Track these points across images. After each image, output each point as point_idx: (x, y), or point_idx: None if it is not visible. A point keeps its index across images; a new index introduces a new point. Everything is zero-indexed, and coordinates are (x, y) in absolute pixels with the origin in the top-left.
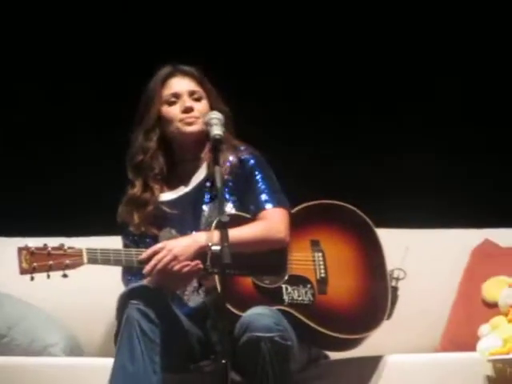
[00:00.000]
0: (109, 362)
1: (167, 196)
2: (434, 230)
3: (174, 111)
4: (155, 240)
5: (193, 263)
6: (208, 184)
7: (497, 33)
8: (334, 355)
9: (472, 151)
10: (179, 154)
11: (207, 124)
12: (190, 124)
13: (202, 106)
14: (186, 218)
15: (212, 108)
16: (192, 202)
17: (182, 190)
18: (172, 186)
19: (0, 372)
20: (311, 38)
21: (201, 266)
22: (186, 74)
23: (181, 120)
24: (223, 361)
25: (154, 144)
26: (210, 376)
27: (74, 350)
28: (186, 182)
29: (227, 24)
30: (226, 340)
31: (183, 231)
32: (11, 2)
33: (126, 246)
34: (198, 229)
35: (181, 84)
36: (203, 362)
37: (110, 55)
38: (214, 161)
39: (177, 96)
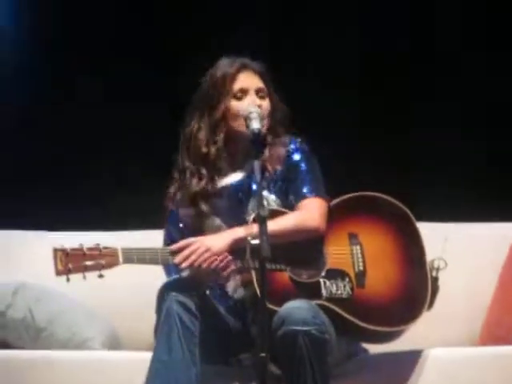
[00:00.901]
0: (148, 355)
1: (219, 184)
2: (474, 224)
3: (242, 107)
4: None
5: (221, 256)
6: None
7: None
8: (373, 349)
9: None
10: (239, 147)
11: (246, 118)
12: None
13: (266, 105)
14: (231, 207)
15: (273, 106)
16: (239, 192)
17: (231, 180)
18: (224, 175)
19: (40, 365)
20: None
21: (230, 258)
22: (254, 70)
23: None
24: (262, 354)
25: (221, 139)
26: (248, 369)
27: (113, 343)
28: (237, 172)
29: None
30: (265, 334)
31: (227, 220)
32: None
33: (168, 231)
34: (241, 220)
35: (250, 80)
36: (242, 355)
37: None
38: (255, 155)
39: (244, 92)
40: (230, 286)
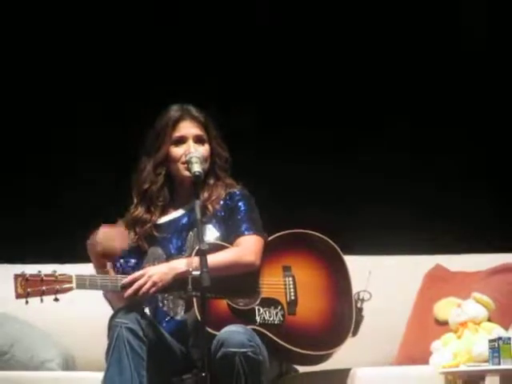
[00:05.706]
0: (100, 375)
1: (161, 220)
2: (393, 257)
3: (178, 153)
4: (141, 258)
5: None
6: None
7: None
8: (302, 369)
9: (421, 180)
10: (181, 188)
11: (188, 162)
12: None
13: (203, 150)
14: (172, 240)
15: (212, 152)
16: (179, 226)
17: (172, 216)
18: (167, 212)
19: None
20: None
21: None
22: (193, 118)
23: (183, 163)
24: (203, 374)
25: (161, 178)
26: None
27: (69, 364)
28: (177, 209)
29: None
30: (206, 356)
31: (168, 251)
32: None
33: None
34: (182, 250)
35: (188, 128)
36: (185, 375)
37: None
38: (195, 195)
39: (183, 139)
40: (174, 310)
